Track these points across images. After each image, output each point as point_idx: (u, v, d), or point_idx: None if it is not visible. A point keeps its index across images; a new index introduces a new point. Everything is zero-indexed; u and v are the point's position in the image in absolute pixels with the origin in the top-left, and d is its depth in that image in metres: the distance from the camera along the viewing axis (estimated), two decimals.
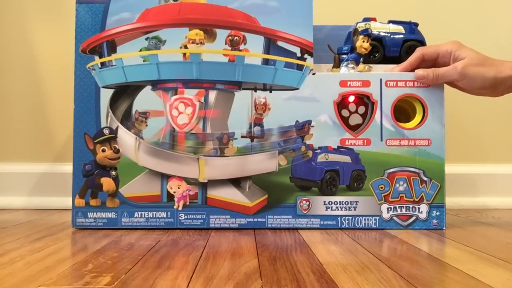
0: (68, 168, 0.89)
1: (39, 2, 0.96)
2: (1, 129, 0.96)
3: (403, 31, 0.74)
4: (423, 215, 0.67)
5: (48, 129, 0.96)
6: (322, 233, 0.65)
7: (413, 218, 0.67)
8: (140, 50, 0.68)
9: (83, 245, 0.57)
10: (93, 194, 0.68)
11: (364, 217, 0.67)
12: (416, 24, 0.76)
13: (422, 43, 0.74)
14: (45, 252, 0.53)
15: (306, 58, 0.68)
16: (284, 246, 0.56)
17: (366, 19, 0.75)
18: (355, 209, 0.67)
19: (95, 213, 0.67)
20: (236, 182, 0.68)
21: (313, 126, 0.67)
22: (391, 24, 0.75)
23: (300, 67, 0.68)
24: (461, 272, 0.45)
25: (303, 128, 0.67)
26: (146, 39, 0.68)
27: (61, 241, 0.60)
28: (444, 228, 0.67)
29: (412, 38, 0.74)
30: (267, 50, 0.68)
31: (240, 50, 0.67)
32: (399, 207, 0.67)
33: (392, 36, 0.73)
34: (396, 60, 0.73)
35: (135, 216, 0.67)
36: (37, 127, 0.96)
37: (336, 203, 0.67)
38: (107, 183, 0.67)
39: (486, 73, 0.64)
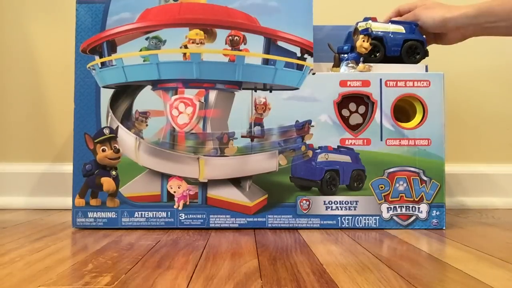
0: (68, 168, 0.88)
1: (39, 2, 0.96)
2: (1, 129, 0.96)
3: (404, 31, 0.74)
4: (423, 215, 0.67)
5: (48, 129, 0.96)
6: (322, 233, 0.65)
7: (413, 217, 0.67)
8: (140, 50, 0.68)
9: (83, 245, 0.57)
10: (93, 194, 0.68)
11: (364, 217, 0.67)
12: (416, 24, 0.75)
13: (422, 43, 0.74)
14: (45, 252, 0.53)
15: (306, 58, 0.68)
16: (284, 246, 0.56)
17: (366, 19, 0.75)
18: (355, 209, 0.67)
19: (95, 213, 0.67)
20: (236, 182, 0.68)
21: (313, 126, 0.67)
22: (391, 23, 0.75)
23: (300, 67, 0.68)
24: (461, 272, 0.45)
25: (303, 127, 0.67)
26: (146, 39, 0.68)
27: (61, 241, 0.60)
28: (444, 228, 0.68)
29: (412, 38, 0.73)
30: (267, 50, 0.68)
31: (240, 50, 0.67)
32: (399, 206, 0.67)
33: (392, 36, 0.73)
34: (396, 59, 0.73)
35: (135, 216, 0.67)
36: (37, 127, 0.96)
37: (336, 202, 0.67)
38: (107, 183, 0.67)
39: (435, 14, 0.71)
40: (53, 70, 0.96)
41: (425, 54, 0.74)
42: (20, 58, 0.96)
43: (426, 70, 0.71)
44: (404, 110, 0.71)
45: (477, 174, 0.96)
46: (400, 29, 0.74)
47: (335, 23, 0.80)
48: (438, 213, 0.67)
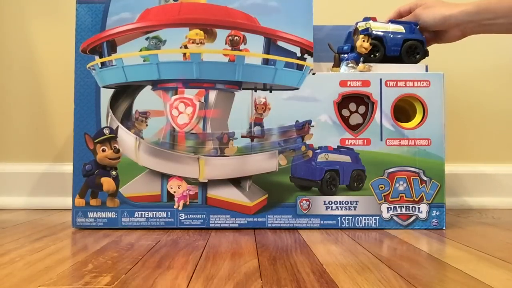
0: (68, 168, 0.87)
1: (39, 2, 0.96)
2: (1, 129, 0.96)
3: (403, 31, 0.74)
4: (423, 215, 0.67)
5: (48, 129, 0.96)
6: (322, 233, 0.65)
7: (413, 217, 0.67)
8: (140, 50, 0.68)
9: (83, 245, 0.57)
10: (93, 194, 0.68)
11: (364, 217, 0.67)
12: (416, 24, 0.75)
13: (422, 42, 0.74)
14: (45, 252, 0.53)
15: (306, 58, 0.68)
16: (284, 246, 0.56)
17: (366, 19, 0.75)
18: (355, 209, 0.67)
19: (95, 213, 0.67)
20: (236, 182, 0.68)
21: (313, 126, 0.67)
22: (391, 23, 0.75)
23: (300, 67, 0.68)
24: (461, 272, 0.45)
25: (303, 128, 0.67)
26: (146, 39, 0.68)
27: (61, 241, 0.60)
28: (444, 228, 0.67)
29: (412, 38, 0.73)
30: (267, 50, 0.68)
31: (240, 50, 0.67)
32: (399, 206, 0.67)
33: (392, 36, 0.73)
34: (396, 59, 0.73)
35: (135, 216, 0.67)
36: (37, 127, 0.96)
37: (336, 202, 0.67)
38: (107, 183, 0.67)
39: (436, 12, 0.72)
40: (53, 70, 0.96)
41: (425, 54, 0.74)
42: (20, 58, 0.96)
43: (426, 70, 0.71)
44: (404, 110, 0.71)
45: (476, 174, 0.96)
46: (400, 29, 0.74)
47: (335, 23, 0.80)
48: (438, 213, 0.67)
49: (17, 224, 0.73)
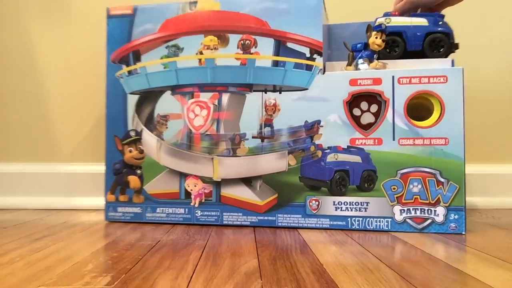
0: (69, 168, 0.92)
1: (39, 3, 0.96)
2: (1, 129, 0.97)
3: (427, 24, 0.70)
4: (439, 218, 0.63)
5: (49, 130, 0.96)
6: (322, 232, 0.64)
7: (429, 221, 0.64)
8: (161, 58, 0.73)
9: (83, 245, 0.58)
10: (122, 190, 0.75)
11: (375, 219, 0.65)
12: (442, 16, 0.71)
13: (447, 35, 0.69)
14: (45, 252, 0.53)
15: (315, 58, 0.68)
16: (284, 246, 0.56)
17: (386, 14, 0.72)
18: (365, 210, 0.66)
19: (123, 208, 0.74)
20: (247, 181, 0.70)
21: (322, 126, 0.67)
22: (413, 17, 0.71)
23: (309, 67, 0.68)
24: (461, 272, 0.44)
25: (312, 128, 0.67)
26: (166, 47, 0.73)
27: (61, 241, 0.60)
28: (463, 233, 0.63)
29: (435, 31, 0.69)
30: (277, 52, 0.69)
31: (251, 53, 0.69)
32: (413, 209, 0.64)
33: (413, 30, 0.70)
34: (418, 54, 0.70)
35: (157, 212, 0.73)
36: (38, 127, 0.96)
37: (346, 203, 0.66)
38: (133, 180, 0.73)
39: None
40: (56, 71, 0.95)
41: (451, 46, 0.70)
42: (21, 60, 0.96)
43: (453, 65, 0.67)
44: (425, 107, 0.68)
45: (477, 174, 0.89)
46: (423, 22, 0.71)
47: (363, 20, 0.78)
48: (456, 216, 0.63)
49: (17, 224, 0.72)
